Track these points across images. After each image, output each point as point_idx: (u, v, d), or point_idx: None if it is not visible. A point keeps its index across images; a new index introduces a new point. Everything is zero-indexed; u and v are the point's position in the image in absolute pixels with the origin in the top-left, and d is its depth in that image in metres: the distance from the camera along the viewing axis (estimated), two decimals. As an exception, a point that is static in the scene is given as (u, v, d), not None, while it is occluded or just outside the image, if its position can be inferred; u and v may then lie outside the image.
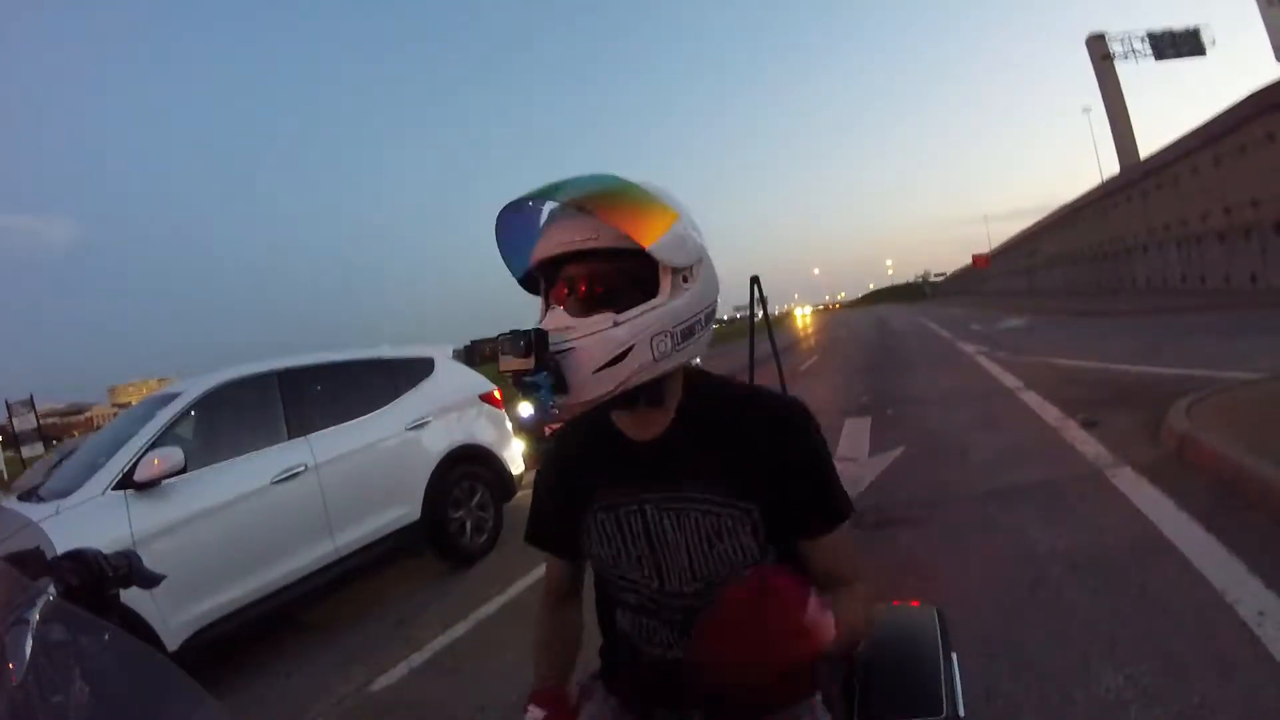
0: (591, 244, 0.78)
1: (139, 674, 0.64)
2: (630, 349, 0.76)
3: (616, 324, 0.77)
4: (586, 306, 0.79)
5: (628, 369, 0.77)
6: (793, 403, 0.89)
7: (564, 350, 0.75)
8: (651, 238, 0.76)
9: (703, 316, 0.83)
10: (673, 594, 0.87)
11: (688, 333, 0.81)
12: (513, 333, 0.76)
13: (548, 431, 6.60)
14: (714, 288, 0.85)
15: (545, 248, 0.81)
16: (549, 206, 0.85)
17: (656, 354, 0.78)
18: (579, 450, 0.95)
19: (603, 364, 0.76)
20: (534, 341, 0.75)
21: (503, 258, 0.88)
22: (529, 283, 0.89)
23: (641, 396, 0.82)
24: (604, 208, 0.76)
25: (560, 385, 0.75)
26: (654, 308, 0.78)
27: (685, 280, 0.81)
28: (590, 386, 0.76)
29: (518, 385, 0.76)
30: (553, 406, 0.76)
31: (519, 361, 0.75)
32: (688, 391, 0.89)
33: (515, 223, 0.86)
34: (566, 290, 0.81)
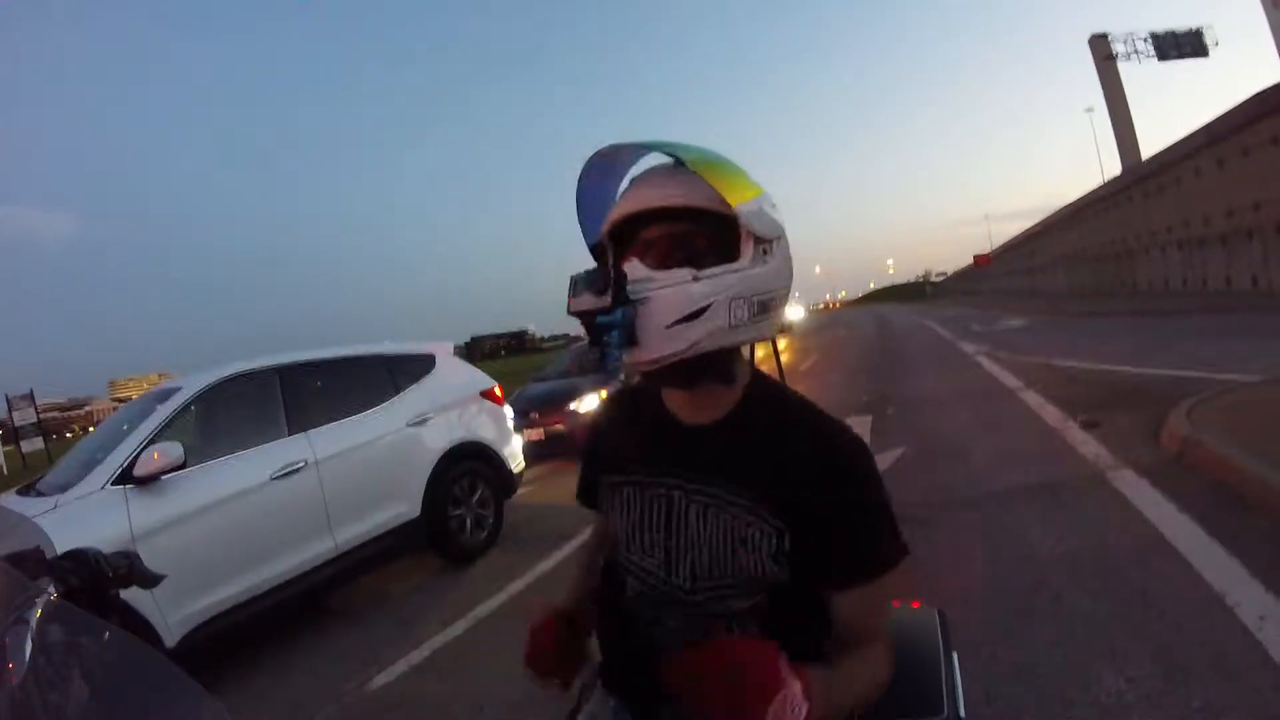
0: (680, 201, 0.76)
1: (139, 673, 0.63)
2: (707, 308, 0.74)
3: (696, 279, 0.74)
4: (666, 264, 0.76)
5: (702, 329, 0.74)
6: (854, 439, 0.82)
7: (639, 299, 0.73)
8: (740, 199, 0.75)
9: (780, 294, 0.81)
10: (678, 589, 0.83)
11: (764, 306, 0.79)
12: (588, 271, 0.74)
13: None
14: (791, 270, 0.83)
15: (631, 204, 0.79)
16: (634, 169, 0.84)
17: (733, 319, 0.76)
18: (624, 419, 0.95)
19: (677, 319, 0.73)
20: (614, 279, 0.72)
21: (579, 219, 0.86)
22: (600, 252, 0.85)
23: (710, 370, 0.80)
24: (699, 163, 0.76)
25: (629, 338, 0.73)
26: (735, 270, 0.76)
27: (765, 253, 0.78)
28: (662, 341, 0.73)
29: (588, 328, 0.74)
30: (619, 361, 0.74)
31: (593, 300, 0.72)
32: (753, 387, 0.86)
33: (596, 185, 0.85)
34: (644, 252, 0.78)
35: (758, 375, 0.89)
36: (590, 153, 0.82)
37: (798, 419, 0.84)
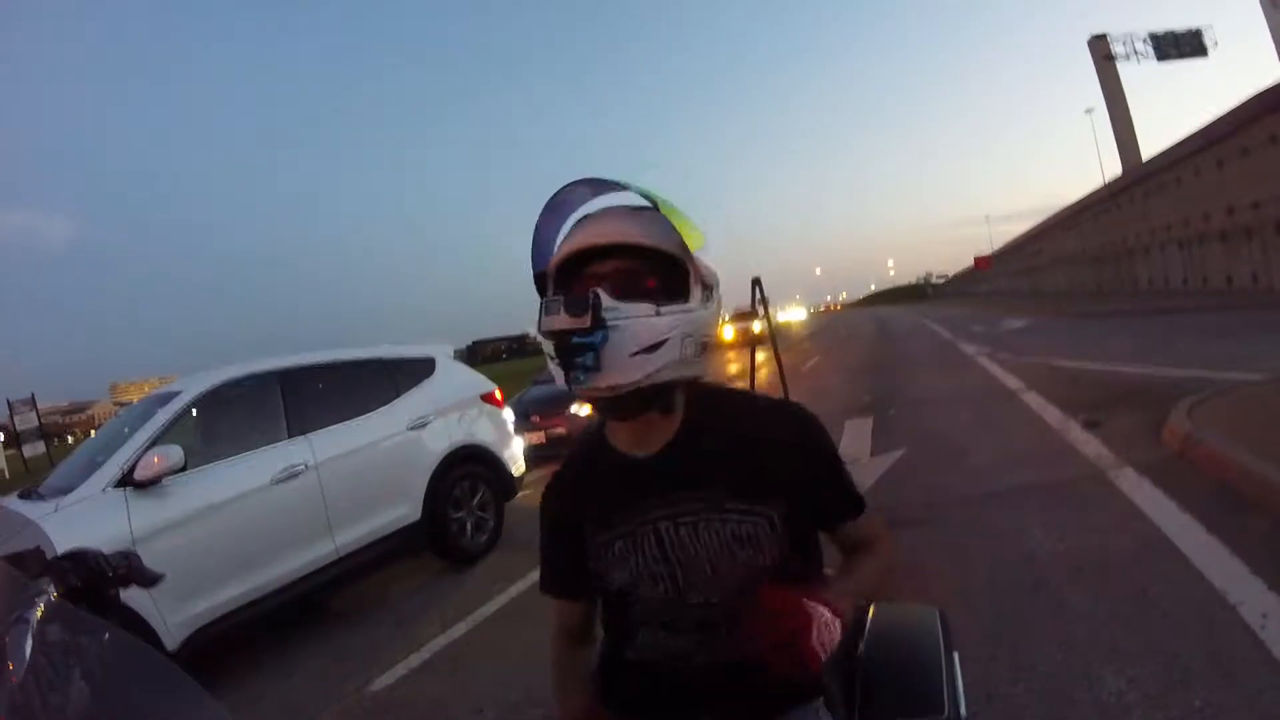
0: (643, 240, 0.80)
1: (139, 674, 0.63)
2: (664, 341, 0.78)
3: (659, 313, 0.78)
4: (618, 297, 0.79)
5: (660, 360, 0.78)
6: (794, 406, 0.93)
7: (612, 325, 0.75)
8: (697, 246, 0.80)
9: (715, 338, 0.86)
10: (694, 605, 0.86)
11: (704, 347, 0.83)
12: (563, 295, 0.77)
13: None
14: (719, 317, 0.88)
15: (598, 236, 0.81)
16: (586, 207, 0.86)
17: (683, 355, 0.80)
18: (579, 482, 0.95)
19: (640, 348, 0.76)
20: (593, 303, 0.75)
21: (533, 246, 0.88)
22: (542, 281, 0.87)
23: (655, 402, 0.83)
24: (668, 209, 0.80)
25: (593, 363, 0.76)
26: (688, 310, 0.80)
27: (708, 298, 0.84)
28: (624, 369, 0.76)
29: (561, 347, 0.76)
30: (583, 385, 0.76)
31: (572, 320, 0.75)
32: (690, 404, 0.89)
33: (560, 215, 0.87)
34: (595, 285, 0.80)
35: (695, 389, 0.90)
36: (581, 168, 0.84)
37: (742, 412, 0.91)
